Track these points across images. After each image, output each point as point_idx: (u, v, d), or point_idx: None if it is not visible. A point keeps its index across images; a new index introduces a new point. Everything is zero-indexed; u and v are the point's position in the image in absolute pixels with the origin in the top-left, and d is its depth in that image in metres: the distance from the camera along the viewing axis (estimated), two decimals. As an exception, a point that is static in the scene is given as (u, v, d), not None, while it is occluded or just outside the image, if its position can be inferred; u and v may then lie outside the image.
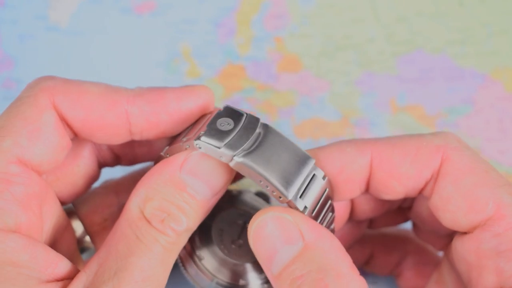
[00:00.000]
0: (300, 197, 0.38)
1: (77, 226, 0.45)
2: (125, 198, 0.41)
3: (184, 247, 0.43)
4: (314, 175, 0.39)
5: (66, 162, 0.43)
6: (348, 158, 0.41)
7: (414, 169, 0.40)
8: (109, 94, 0.40)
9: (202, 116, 0.41)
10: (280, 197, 0.38)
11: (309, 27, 0.59)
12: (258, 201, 0.46)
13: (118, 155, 0.45)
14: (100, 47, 0.58)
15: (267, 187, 0.38)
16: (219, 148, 0.38)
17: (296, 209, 0.38)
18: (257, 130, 0.39)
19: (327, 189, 0.40)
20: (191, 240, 0.43)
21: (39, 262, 0.37)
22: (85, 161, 0.44)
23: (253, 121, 0.39)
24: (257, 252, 0.38)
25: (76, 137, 0.42)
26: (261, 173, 0.38)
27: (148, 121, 0.40)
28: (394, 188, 0.41)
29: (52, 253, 0.38)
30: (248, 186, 0.48)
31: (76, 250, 0.44)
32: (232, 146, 0.38)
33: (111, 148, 0.45)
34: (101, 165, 0.45)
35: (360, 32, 0.59)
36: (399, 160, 0.40)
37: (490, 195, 0.39)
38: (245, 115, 0.39)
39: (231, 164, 0.38)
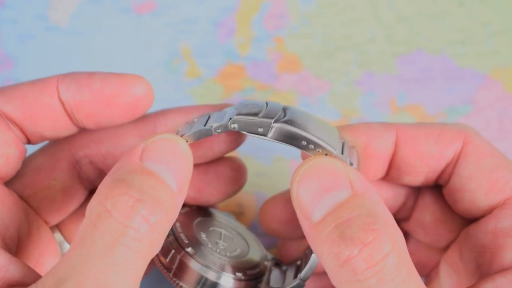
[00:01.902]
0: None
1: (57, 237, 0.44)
2: None
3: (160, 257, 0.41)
4: (343, 142, 0.41)
5: (42, 176, 0.42)
6: (375, 133, 0.42)
7: (437, 148, 0.41)
8: (41, 80, 0.40)
9: None
10: (326, 155, 0.38)
11: (309, 27, 0.59)
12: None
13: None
14: (100, 47, 0.58)
15: (310, 146, 0.38)
16: (257, 117, 0.38)
17: None
18: (281, 108, 0.40)
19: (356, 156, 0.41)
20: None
21: None
22: (62, 176, 0.43)
23: (275, 106, 0.40)
24: (299, 196, 0.37)
25: (30, 142, 0.41)
26: (303, 134, 0.38)
27: (73, 99, 0.40)
28: (417, 167, 0.42)
29: (2, 256, 0.36)
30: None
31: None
32: (267, 116, 0.39)
33: (94, 164, 0.44)
34: (87, 185, 0.44)
35: (360, 32, 0.59)
36: (424, 138, 0.42)
37: (510, 176, 0.40)
38: (265, 104, 0.41)
39: (270, 133, 0.38)
